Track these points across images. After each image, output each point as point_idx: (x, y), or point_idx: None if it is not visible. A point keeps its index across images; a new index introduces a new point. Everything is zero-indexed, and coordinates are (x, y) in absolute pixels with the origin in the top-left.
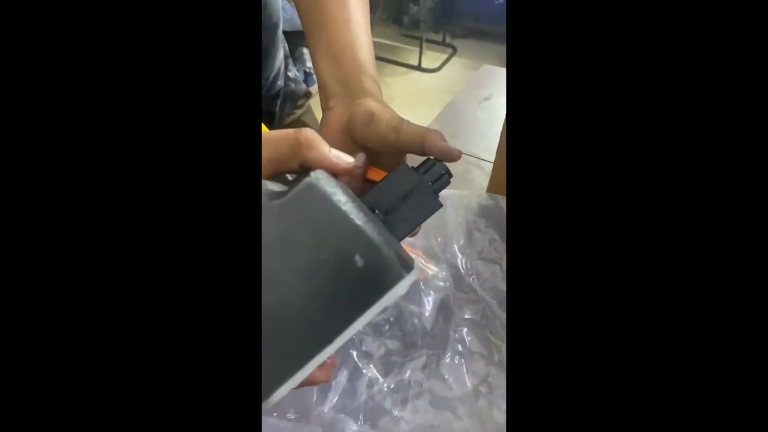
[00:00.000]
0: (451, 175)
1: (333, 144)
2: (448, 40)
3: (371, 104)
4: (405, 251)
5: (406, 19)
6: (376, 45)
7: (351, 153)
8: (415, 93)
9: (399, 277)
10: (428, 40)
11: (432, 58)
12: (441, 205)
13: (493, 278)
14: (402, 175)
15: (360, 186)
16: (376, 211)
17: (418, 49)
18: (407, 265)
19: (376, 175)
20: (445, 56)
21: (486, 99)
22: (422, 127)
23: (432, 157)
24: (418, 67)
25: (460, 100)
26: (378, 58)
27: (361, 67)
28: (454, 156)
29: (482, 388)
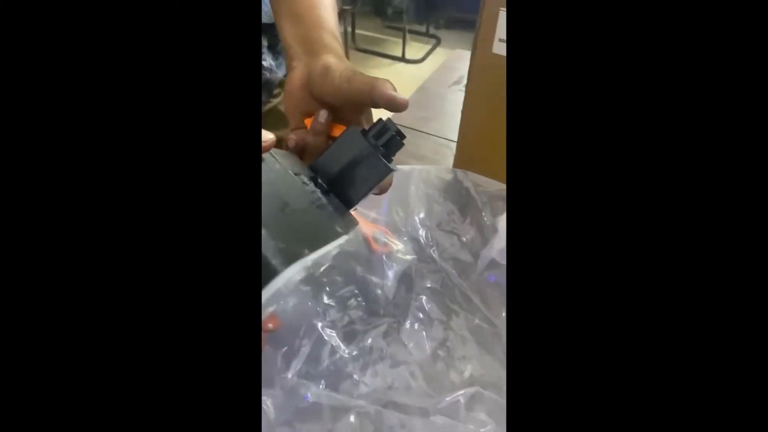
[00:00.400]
0: (403, 137)
1: (294, 102)
2: (431, 30)
3: (328, 59)
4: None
5: (389, 11)
6: (359, 37)
7: (312, 109)
8: (400, 84)
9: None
10: (411, 31)
11: (416, 49)
12: (391, 170)
13: (452, 248)
14: (350, 138)
15: (325, 143)
16: (319, 180)
17: (401, 40)
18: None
19: (339, 131)
20: (428, 47)
21: (456, 83)
22: (372, 77)
23: (384, 119)
24: (402, 59)
25: (432, 84)
26: (361, 51)
27: (322, 23)
28: (400, 103)
29: (440, 352)
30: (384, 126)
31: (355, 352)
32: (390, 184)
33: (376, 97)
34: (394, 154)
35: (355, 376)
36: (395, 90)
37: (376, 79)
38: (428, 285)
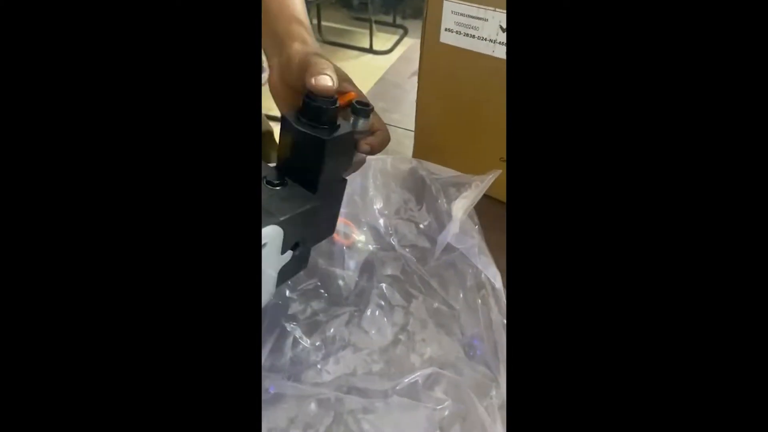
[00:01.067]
0: (335, 104)
1: (281, 98)
2: (398, 21)
3: (292, 49)
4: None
5: (355, 2)
6: (326, 29)
7: (294, 101)
8: (368, 75)
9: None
10: (378, 22)
11: (383, 39)
12: (322, 139)
13: (410, 235)
14: (284, 127)
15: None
16: (268, 179)
17: (368, 31)
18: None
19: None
20: (396, 37)
21: (415, 73)
22: (316, 63)
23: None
24: (370, 50)
25: (391, 75)
26: (329, 42)
27: (287, 13)
28: (322, 87)
29: (401, 336)
30: (306, 103)
31: (318, 342)
32: (371, 145)
33: (308, 83)
34: (328, 123)
35: (318, 366)
36: (328, 72)
37: (315, 63)
38: (389, 273)
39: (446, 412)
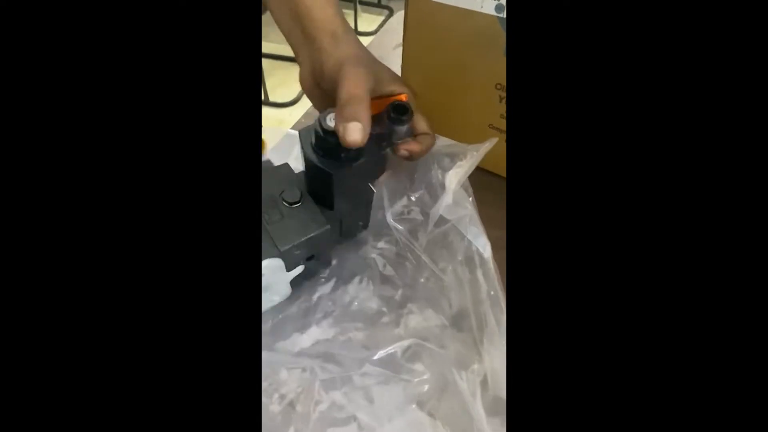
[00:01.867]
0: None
1: (314, 96)
2: (383, 1)
3: (323, 49)
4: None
5: None
6: None
7: (328, 101)
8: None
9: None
10: (363, 3)
11: (368, 21)
12: (329, 173)
13: (402, 208)
14: (302, 145)
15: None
16: (285, 198)
17: (353, 12)
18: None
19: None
20: (381, 18)
21: (399, 45)
22: (350, 99)
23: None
24: (355, 31)
25: (374, 48)
26: None
27: (312, 6)
28: (350, 141)
29: (385, 309)
30: (317, 134)
31: (300, 308)
32: (411, 151)
33: (336, 128)
34: (341, 155)
35: (298, 332)
36: (361, 119)
37: (348, 98)
38: (380, 245)
39: (425, 386)
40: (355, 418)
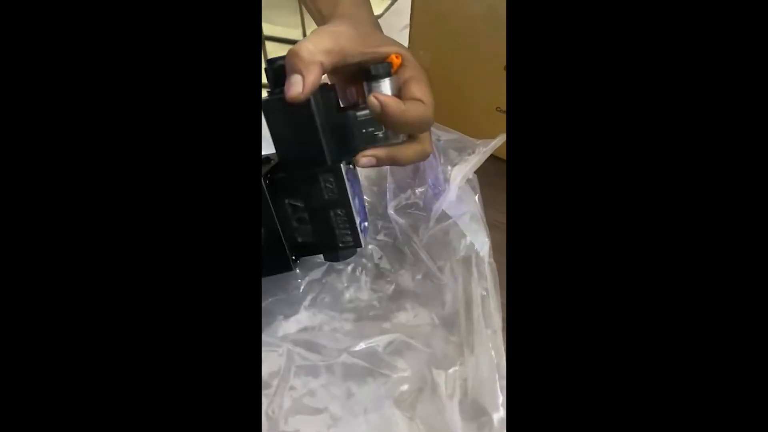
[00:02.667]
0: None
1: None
2: None
3: (321, 17)
4: None
5: None
6: None
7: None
8: None
9: None
10: None
11: (376, 3)
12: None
13: (405, 202)
14: None
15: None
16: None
17: None
18: None
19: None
20: (388, 2)
21: (406, 26)
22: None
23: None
24: None
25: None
26: None
27: None
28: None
29: (376, 303)
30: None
31: (290, 293)
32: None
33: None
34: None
35: (282, 317)
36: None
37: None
38: (379, 237)
39: (404, 384)
40: (327, 409)
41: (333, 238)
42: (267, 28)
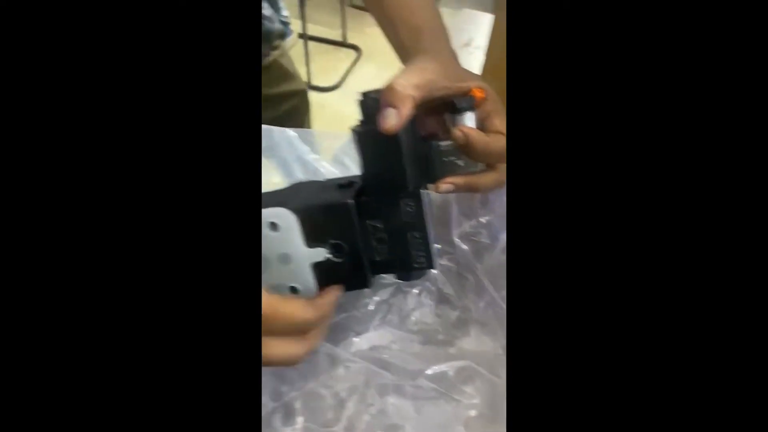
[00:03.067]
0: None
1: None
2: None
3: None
4: None
5: None
6: None
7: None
8: None
9: None
10: None
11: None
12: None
13: (470, 229)
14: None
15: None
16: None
17: None
18: None
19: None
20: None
21: (466, 44)
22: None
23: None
24: None
25: None
26: (357, 8)
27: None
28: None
29: (440, 328)
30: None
31: (356, 312)
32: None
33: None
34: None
35: (353, 334)
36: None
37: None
38: (443, 262)
39: (473, 411)
40: (403, 427)
41: (408, 258)
42: (309, 27)
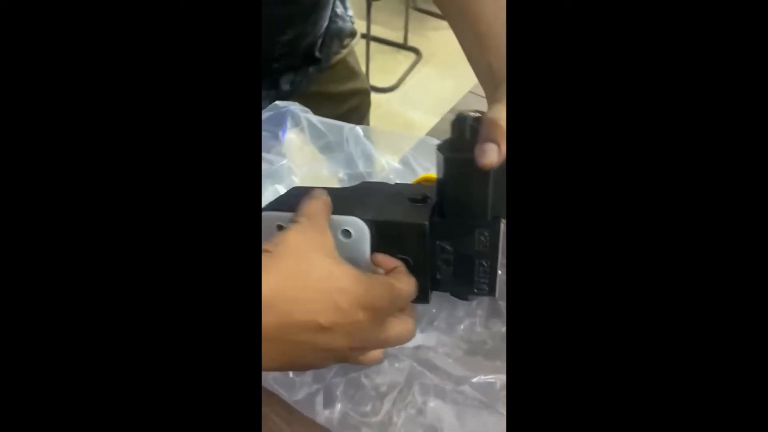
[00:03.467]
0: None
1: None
2: None
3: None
4: None
5: None
6: None
7: None
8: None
9: None
10: None
11: None
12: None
13: None
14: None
15: None
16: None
17: None
18: None
19: None
20: None
21: None
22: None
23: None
24: None
25: None
26: (420, 11)
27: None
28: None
29: (489, 340)
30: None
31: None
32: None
33: None
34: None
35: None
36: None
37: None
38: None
39: None
40: (439, 431)
41: (471, 284)
42: (371, 28)
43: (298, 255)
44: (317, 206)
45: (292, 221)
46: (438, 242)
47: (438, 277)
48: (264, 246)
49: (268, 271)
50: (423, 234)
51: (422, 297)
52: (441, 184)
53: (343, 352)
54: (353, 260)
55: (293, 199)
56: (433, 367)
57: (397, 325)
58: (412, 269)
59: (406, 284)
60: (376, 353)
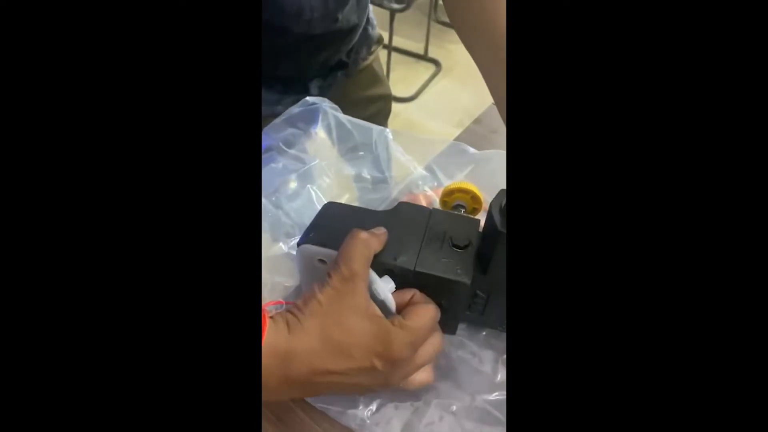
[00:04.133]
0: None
1: None
2: None
3: None
4: None
5: None
6: (441, 9)
7: None
8: None
9: None
10: None
11: None
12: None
13: None
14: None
15: None
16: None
17: None
18: None
19: None
20: None
21: None
22: None
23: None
24: None
25: None
26: (440, 23)
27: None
28: None
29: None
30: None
31: None
32: None
33: None
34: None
35: None
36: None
37: None
38: None
39: None
40: None
41: (497, 321)
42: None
43: (331, 317)
44: (358, 256)
45: (334, 263)
46: (477, 291)
47: (468, 313)
48: (297, 303)
49: (300, 328)
50: (465, 291)
51: (450, 329)
52: (493, 260)
53: (369, 386)
54: (388, 300)
55: (334, 234)
56: (452, 377)
57: (420, 375)
58: (446, 310)
59: (439, 342)
60: (423, 376)
